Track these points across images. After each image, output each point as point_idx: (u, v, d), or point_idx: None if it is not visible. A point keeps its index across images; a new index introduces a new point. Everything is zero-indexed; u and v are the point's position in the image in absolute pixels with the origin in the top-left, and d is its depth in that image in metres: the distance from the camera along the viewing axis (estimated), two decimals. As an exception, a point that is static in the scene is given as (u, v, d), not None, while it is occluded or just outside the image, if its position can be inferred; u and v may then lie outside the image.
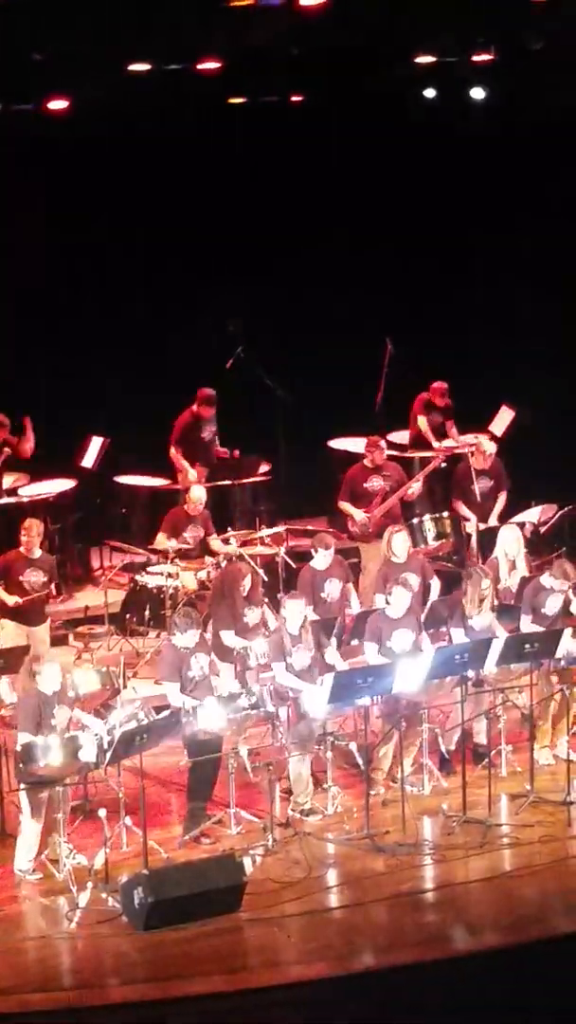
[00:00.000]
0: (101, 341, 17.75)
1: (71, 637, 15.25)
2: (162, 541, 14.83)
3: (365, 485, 15.33)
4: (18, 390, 16.65)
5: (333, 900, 11.09)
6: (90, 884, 10.99)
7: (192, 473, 16.35)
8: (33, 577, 13.66)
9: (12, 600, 13.54)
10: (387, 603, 12.66)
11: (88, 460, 16.87)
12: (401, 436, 17.41)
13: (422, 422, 17.22)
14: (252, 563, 13.99)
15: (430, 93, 17.90)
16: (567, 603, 12.96)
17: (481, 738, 12.73)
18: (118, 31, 14.30)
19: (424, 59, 16.40)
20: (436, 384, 17.15)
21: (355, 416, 17.23)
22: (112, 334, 17.80)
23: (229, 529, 15.29)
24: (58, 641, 14.60)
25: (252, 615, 13.12)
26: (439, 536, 15.37)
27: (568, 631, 12.55)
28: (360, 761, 12.16)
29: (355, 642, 13.07)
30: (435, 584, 13.69)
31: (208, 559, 14.82)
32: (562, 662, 12.50)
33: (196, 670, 11.91)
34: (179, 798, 12.14)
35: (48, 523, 16.14)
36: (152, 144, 17.63)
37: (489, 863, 11.43)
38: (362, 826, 11.73)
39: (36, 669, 11.35)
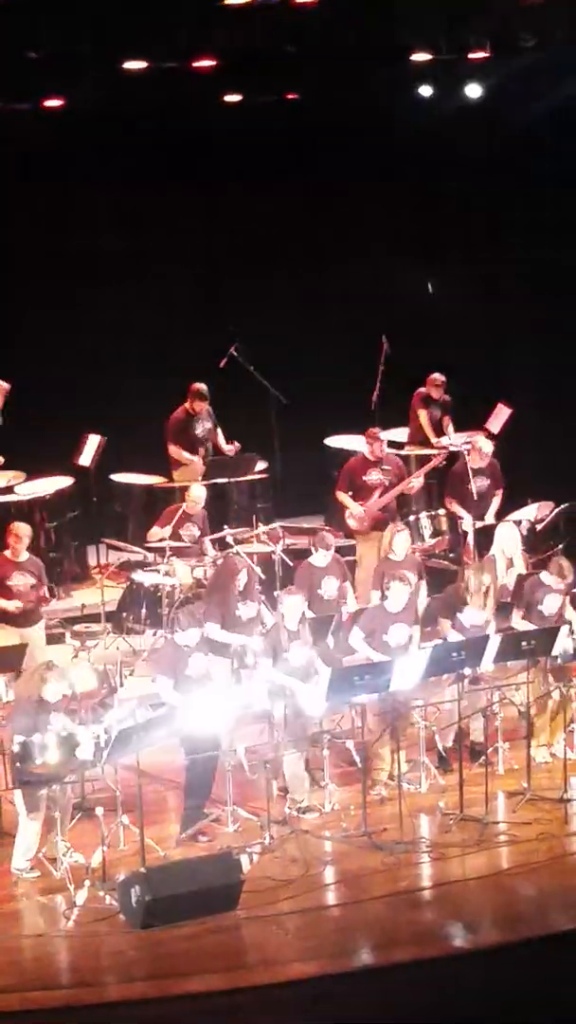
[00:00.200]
0: (98, 340, 17.76)
1: (68, 635, 15.23)
2: (156, 533, 14.84)
3: (364, 478, 15.33)
4: (15, 388, 16.64)
5: (330, 898, 11.09)
6: (87, 882, 10.99)
7: (197, 460, 16.37)
8: (21, 581, 13.57)
9: (13, 605, 13.49)
10: (384, 597, 12.66)
11: (85, 458, 16.86)
12: (398, 434, 17.42)
13: (422, 415, 17.24)
14: (248, 559, 14.00)
15: (426, 90, 17.92)
16: (563, 606, 12.96)
17: (478, 736, 12.73)
18: (113, 30, 14.30)
19: (419, 56, 16.39)
20: (432, 376, 17.16)
21: (351, 414, 17.25)
22: (109, 333, 17.81)
23: (226, 527, 15.29)
24: (55, 639, 14.59)
25: (246, 610, 13.12)
26: (435, 533, 15.40)
27: (565, 629, 12.56)
28: (357, 759, 12.16)
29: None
30: (422, 585, 13.67)
31: (205, 557, 14.84)
32: (559, 659, 12.52)
33: (194, 669, 11.91)
34: (176, 796, 12.13)
35: (44, 521, 16.18)
36: (148, 142, 17.64)
37: (486, 861, 11.43)
38: (359, 824, 11.74)
39: (46, 677, 11.30)
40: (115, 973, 10.28)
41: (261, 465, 17.18)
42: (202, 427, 16.75)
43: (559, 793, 12.19)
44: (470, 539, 15.26)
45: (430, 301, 18.81)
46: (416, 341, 17.70)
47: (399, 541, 13.53)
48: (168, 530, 14.77)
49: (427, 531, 15.30)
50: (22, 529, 13.69)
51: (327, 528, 15.20)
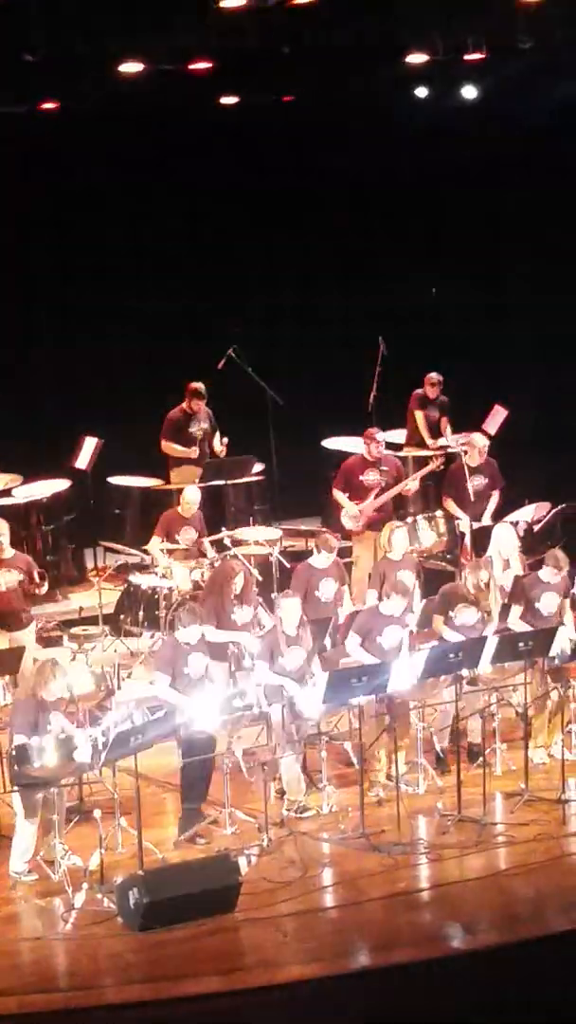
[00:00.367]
0: (95, 341, 17.78)
1: (65, 638, 15.23)
2: (156, 544, 14.83)
3: (361, 478, 15.33)
4: (12, 391, 16.66)
5: (328, 900, 11.08)
6: (85, 885, 10.98)
7: (190, 451, 16.38)
8: (8, 577, 13.42)
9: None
10: (382, 600, 12.65)
11: (82, 461, 16.88)
12: (395, 435, 17.43)
13: (418, 416, 17.25)
14: (245, 562, 14.00)
15: (422, 92, 17.94)
16: (561, 608, 12.97)
17: (475, 737, 12.73)
18: (109, 32, 14.30)
19: (415, 58, 16.40)
20: (428, 376, 17.17)
21: (349, 415, 17.27)
22: (106, 334, 17.83)
23: (223, 529, 15.29)
24: (52, 642, 14.59)
25: (242, 614, 13.10)
26: (433, 535, 15.38)
27: (562, 629, 12.56)
28: (355, 760, 12.16)
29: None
30: (416, 588, 13.65)
31: (204, 560, 14.84)
32: (556, 660, 12.52)
33: (193, 668, 11.90)
34: (174, 799, 12.12)
35: (41, 524, 16.18)
36: (144, 144, 17.66)
37: (484, 862, 11.42)
38: (357, 825, 11.73)
39: (55, 672, 11.25)
40: (113, 976, 10.26)
41: (258, 467, 17.19)
42: (198, 427, 16.74)
43: (557, 794, 12.19)
44: (467, 540, 15.27)
45: (428, 302, 18.84)
46: (414, 342, 17.72)
47: (397, 539, 13.52)
48: (167, 544, 14.73)
49: (424, 533, 15.30)
50: (2, 525, 13.32)
51: (329, 530, 15.17)
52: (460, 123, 17.98)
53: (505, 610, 13.23)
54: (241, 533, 15.38)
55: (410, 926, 10.73)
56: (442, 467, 15.94)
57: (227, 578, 13.14)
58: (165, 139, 17.81)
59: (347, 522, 15.30)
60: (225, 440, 16.77)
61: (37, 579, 13.44)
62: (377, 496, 15.25)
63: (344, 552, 14.83)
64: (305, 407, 17.55)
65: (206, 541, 15.10)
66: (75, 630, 15.24)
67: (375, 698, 12.02)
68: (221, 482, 16.66)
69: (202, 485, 15.94)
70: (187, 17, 14.50)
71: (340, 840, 11.71)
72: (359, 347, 17.54)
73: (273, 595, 13.93)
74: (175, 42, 15.00)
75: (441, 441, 17.08)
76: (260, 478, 17.21)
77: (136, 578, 14.89)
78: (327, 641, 13.03)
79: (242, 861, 11.18)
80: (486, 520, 15.39)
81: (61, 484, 16.67)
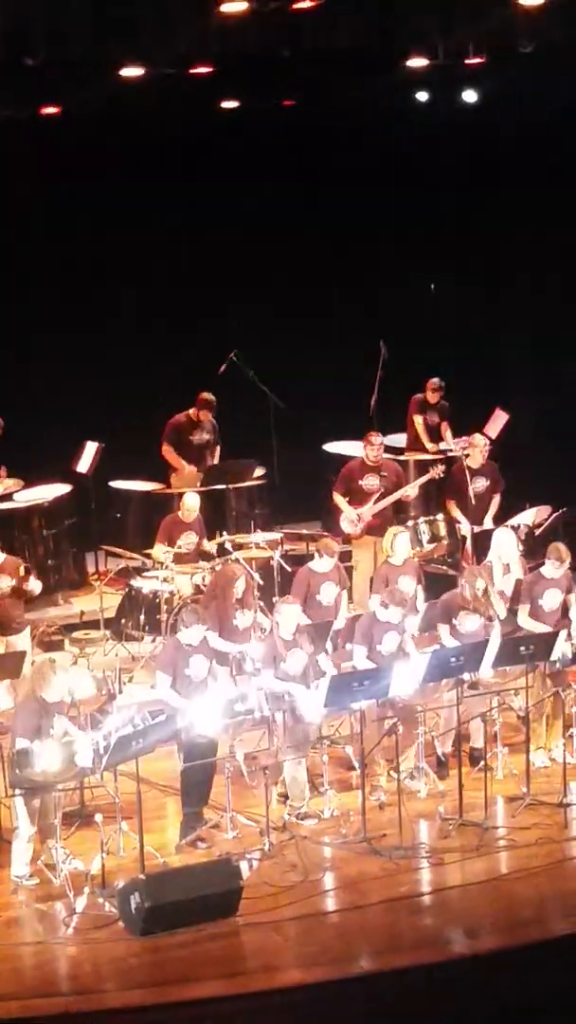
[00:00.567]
0: (96, 345, 17.78)
1: (67, 642, 15.23)
2: (160, 551, 14.83)
3: (361, 482, 15.33)
4: (13, 395, 16.66)
5: (330, 904, 11.08)
6: (87, 889, 10.98)
7: (187, 467, 16.38)
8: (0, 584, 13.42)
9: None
10: (381, 607, 12.64)
11: (83, 465, 16.88)
12: (397, 439, 17.43)
13: (418, 421, 17.25)
14: (247, 566, 14.00)
15: (422, 96, 17.95)
16: (566, 604, 12.98)
17: (477, 741, 12.72)
18: (110, 36, 14.31)
19: (416, 62, 16.41)
20: (429, 380, 17.18)
21: (350, 420, 17.27)
22: (107, 339, 17.83)
23: (224, 533, 15.29)
24: (53, 646, 14.58)
25: (243, 619, 13.10)
26: (433, 539, 15.38)
27: (563, 633, 12.57)
28: (356, 764, 12.15)
29: (349, 646, 13.07)
30: (419, 592, 13.65)
31: (204, 563, 14.84)
32: (557, 664, 12.52)
33: (195, 671, 11.90)
34: (175, 803, 12.12)
35: (43, 528, 16.19)
36: (145, 148, 17.67)
37: (486, 866, 11.42)
38: (359, 830, 11.73)
39: (54, 671, 11.25)
40: (115, 980, 10.26)
41: (260, 471, 17.19)
42: (200, 437, 16.76)
43: (558, 798, 12.18)
44: (468, 544, 15.26)
45: (429, 306, 18.84)
46: (415, 346, 17.72)
47: (400, 543, 13.52)
48: (170, 551, 14.74)
49: (425, 537, 15.29)
50: None
51: (330, 534, 15.16)
52: (460, 127, 17.98)
53: (511, 614, 13.23)
54: (241, 538, 15.38)
55: (412, 930, 10.74)
56: (442, 475, 15.90)
57: (229, 582, 13.15)
58: (166, 143, 17.82)
59: (346, 526, 15.30)
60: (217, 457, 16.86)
61: (23, 573, 13.34)
62: (376, 501, 15.25)
63: (343, 556, 14.82)
64: (306, 411, 17.55)
65: (207, 544, 15.10)
66: (76, 634, 15.22)
67: (376, 702, 12.02)
68: (223, 486, 16.66)
69: (203, 489, 15.94)
70: (188, 21, 14.50)
71: (342, 844, 11.71)
72: (360, 351, 17.53)
73: (274, 599, 13.93)
74: (176, 46, 14.99)
75: (442, 445, 17.07)
76: (261, 482, 17.21)
77: (137, 582, 14.90)
78: (328, 645, 13.02)
79: (243, 865, 11.17)
80: (487, 524, 15.39)
81: (62, 488, 16.67)
